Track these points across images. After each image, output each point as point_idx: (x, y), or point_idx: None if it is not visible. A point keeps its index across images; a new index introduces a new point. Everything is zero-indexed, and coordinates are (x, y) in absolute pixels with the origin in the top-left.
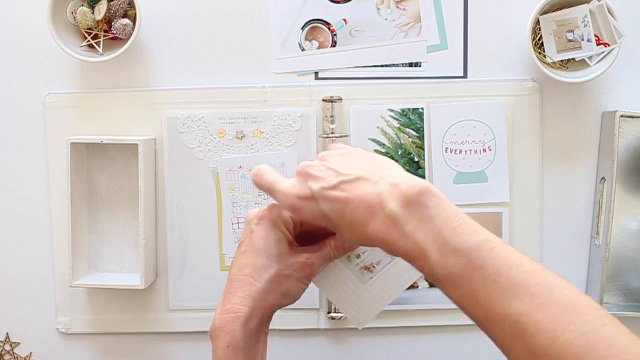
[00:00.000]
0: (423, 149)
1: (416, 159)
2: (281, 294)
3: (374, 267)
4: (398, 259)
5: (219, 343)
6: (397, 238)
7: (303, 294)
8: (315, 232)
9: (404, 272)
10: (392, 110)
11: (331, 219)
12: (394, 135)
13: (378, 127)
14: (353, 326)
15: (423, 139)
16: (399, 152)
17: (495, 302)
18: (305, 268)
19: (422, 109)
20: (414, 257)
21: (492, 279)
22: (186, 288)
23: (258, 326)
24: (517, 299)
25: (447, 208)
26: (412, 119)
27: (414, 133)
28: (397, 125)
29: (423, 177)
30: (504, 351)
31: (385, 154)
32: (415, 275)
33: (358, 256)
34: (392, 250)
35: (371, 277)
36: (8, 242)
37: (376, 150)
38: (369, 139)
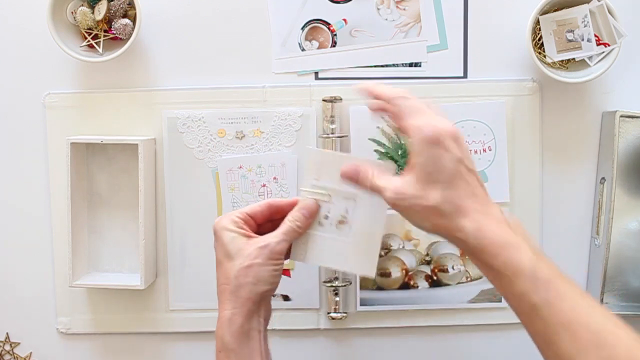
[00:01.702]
0: None
1: None
2: (251, 283)
3: (345, 217)
4: (359, 199)
5: (215, 351)
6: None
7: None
8: (281, 218)
9: (374, 205)
10: None
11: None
12: (393, 136)
13: (378, 127)
14: (353, 326)
15: None
16: (399, 152)
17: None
18: (263, 250)
19: None
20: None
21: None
22: (186, 288)
23: (244, 324)
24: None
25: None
26: None
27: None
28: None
29: None
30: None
31: (386, 154)
32: (384, 203)
33: (326, 217)
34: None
35: (350, 228)
36: (8, 242)
37: (376, 151)
38: (369, 139)
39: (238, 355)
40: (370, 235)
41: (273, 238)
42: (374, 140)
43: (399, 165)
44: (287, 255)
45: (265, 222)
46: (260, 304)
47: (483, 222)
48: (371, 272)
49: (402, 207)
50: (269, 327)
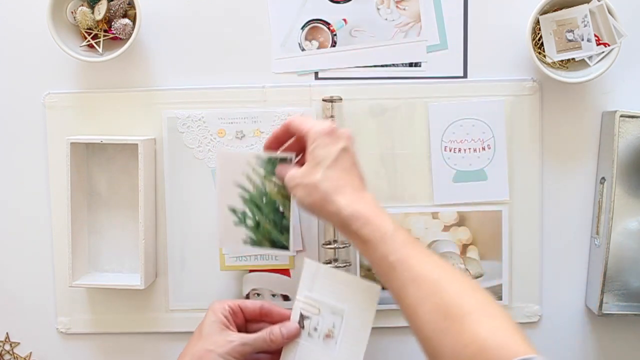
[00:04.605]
0: (289, 200)
1: (281, 209)
2: None
3: (331, 332)
4: (346, 315)
5: None
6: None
7: None
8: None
9: (359, 324)
10: (259, 157)
11: None
12: (258, 183)
13: (243, 174)
14: None
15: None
16: (263, 200)
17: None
18: (228, 345)
19: (291, 157)
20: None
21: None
22: (186, 288)
23: None
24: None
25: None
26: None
27: (279, 182)
28: (263, 174)
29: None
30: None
31: (250, 200)
32: (370, 310)
33: (315, 329)
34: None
35: (335, 342)
36: (8, 242)
37: (241, 196)
38: (236, 184)
39: None
40: (353, 353)
41: (241, 339)
42: (240, 186)
43: (262, 213)
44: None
45: (254, 320)
46: None
47: (354, 200)
48: None
49: (292, 186)
50: None
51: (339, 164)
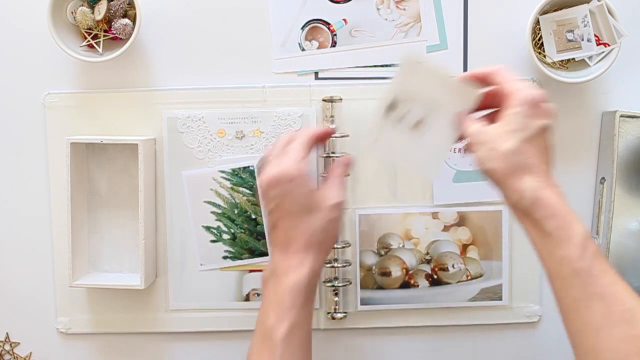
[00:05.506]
0: (259, 206)
1: (253, 217)
2: (332, 236)
3: (420, 122)
4: (440, 109)
5: (284, 280)
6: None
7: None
8: None
9: (450, 121)
10: (223, 172)
11: None
12: (228, 196)
13: (212, 190)
14: (354, 326)
15: (257, 196)
16: (235, 212)
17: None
18: (338, 207)
19: (253, 166)
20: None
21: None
22: (186, 288)
23: (315, 277)
24: None
25: None
26: (244, 178)
27: (248, 191)
28: (230, 186)
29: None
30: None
31: (222, 214)
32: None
33: (404, 117)
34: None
35: (423, 132)
36: (8, 242)
37: (213, 212)
38: (204, 201)
39: (308, 298)
40: (440, 143)
41: (338, 195)
42: (210, 202)
43: (236, 225)
44: None
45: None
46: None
47: (543, 185)
48: (433, 175)
49: (475, 142)
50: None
51: (536, 141)
